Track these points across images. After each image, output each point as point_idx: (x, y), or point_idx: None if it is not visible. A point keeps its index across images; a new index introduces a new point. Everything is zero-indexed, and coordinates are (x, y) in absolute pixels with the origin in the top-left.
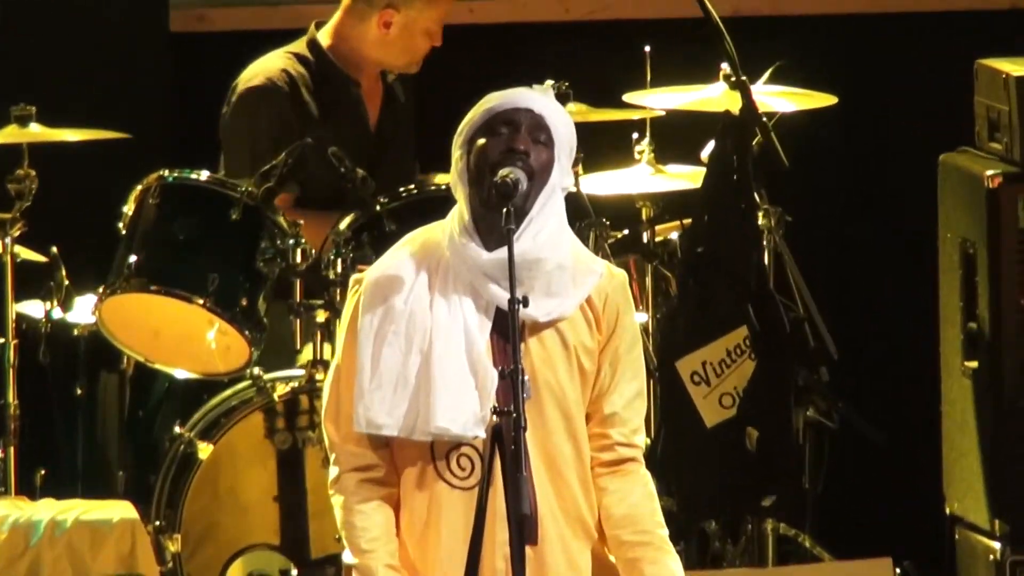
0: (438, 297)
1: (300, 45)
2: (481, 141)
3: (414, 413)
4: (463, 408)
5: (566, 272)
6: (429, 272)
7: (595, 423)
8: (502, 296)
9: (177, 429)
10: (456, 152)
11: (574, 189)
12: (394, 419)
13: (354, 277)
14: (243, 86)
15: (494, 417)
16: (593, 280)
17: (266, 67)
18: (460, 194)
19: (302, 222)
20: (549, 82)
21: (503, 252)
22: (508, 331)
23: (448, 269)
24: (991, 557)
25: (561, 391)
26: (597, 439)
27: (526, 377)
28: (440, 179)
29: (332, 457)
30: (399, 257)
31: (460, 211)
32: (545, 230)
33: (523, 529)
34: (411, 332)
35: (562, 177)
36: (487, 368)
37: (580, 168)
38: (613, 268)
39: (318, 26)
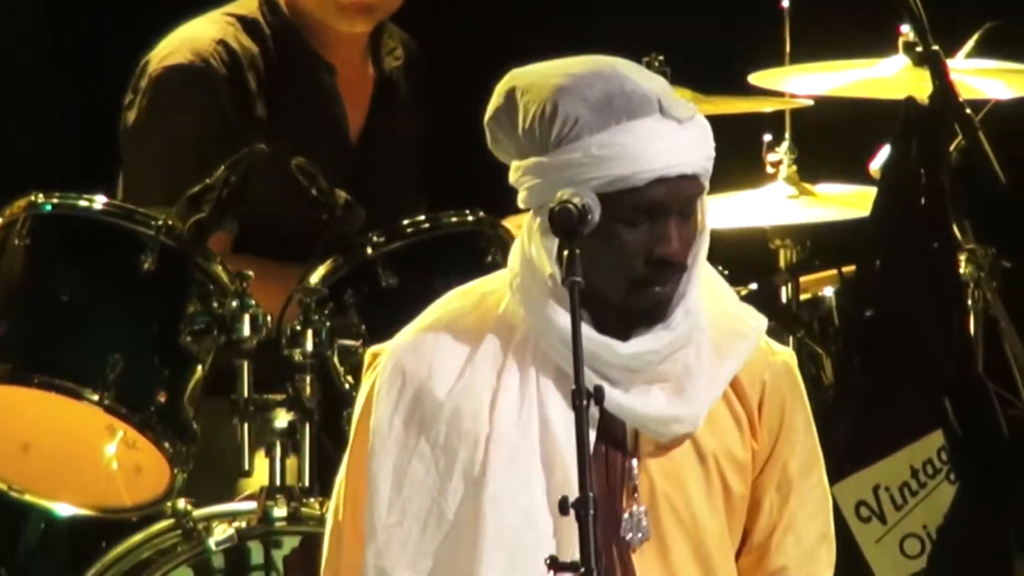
0: (505, 394)
1: (248, 2)
2: (621, 228)
3: (449, 569)
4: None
5: (704, 337)
6: (492, 352)
7: None
8: (621, 397)
9: None
10: (537, 179)
11: None
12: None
13: (372, 350)
14: (157, 66)
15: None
16: (745, 347)
17: (193, 37)
18: (544, 247)
19: (252, 274)
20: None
21: (645, 343)
22: (619, 439)
23: (525, 351)
24: None
25: (694, 523)
26: None
27: (640, 509)
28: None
29: None
30: (443, 321)
31: (552, 273)
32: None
33: None
34: (454, 443)
35: None
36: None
37: None
38: (772, 342)
39: None
